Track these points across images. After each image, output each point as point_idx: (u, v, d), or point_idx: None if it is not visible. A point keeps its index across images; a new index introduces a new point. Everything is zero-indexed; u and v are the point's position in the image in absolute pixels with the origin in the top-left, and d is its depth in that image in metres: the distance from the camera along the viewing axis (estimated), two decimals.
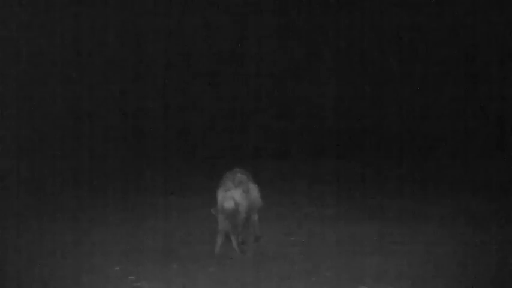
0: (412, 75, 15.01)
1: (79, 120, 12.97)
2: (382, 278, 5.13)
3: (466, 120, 14.09)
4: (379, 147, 13.09)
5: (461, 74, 14.62)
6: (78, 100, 13.18)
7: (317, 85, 15.72)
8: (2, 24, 11.41)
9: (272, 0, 15.37)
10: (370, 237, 6.36)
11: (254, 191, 5.92)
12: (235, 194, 5.72)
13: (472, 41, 14.31)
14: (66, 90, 12.96)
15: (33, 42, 12.15)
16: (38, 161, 10.94)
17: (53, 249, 6.01)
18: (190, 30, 15.00)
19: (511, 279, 5.12)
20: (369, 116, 14.95)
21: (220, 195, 5.73)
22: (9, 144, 10.78)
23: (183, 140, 13.72)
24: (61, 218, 7.32)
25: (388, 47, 15.12)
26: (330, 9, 15.20)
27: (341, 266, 5.43)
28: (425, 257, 5.65)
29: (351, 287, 4.98)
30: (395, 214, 7.36)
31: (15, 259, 5.71)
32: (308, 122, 15.35)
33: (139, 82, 14.45)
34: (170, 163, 11.38)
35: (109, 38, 13.83)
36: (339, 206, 7.92)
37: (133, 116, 14.07)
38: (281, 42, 15.57)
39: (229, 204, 5.70)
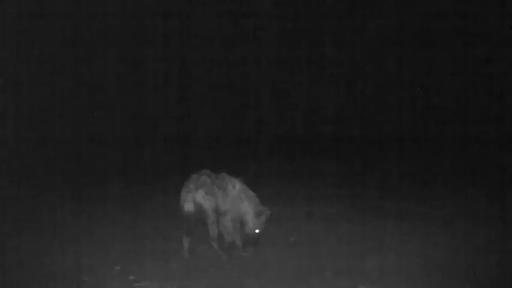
0: (412, 76, 15.03)
1: (79, 120, 12.98)
2: (382, 278, 5.14)
3: (466, 120, 14.10)
4: (379, 147, 13.09)
5: (461, 74, 14.63)
6: (78, 99, 13.18)
7: (317, 86, 15.75)
8: (3, 24, 11.41)
9: (274, 3, 15.41)
10: (370, 237, 6.36)
11: (219, 194, 5.78)
12: (197, 196, 5.72)
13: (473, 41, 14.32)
14: (67, 91, 12.97)
15: (34, 43, 12.16)
16: (38, 161, 10.94)
17: (53, 249, 6.01)
18: (190, 32, 15.03)
19: (511, 279, 5.12)
20: (369, 117, 14.97)
21: (182, 197, 5.73)
22: (9, 144, 10.78)
23: (183, 140, 13.72)
24: (61, 218, 7.32)
25: (389, 47, 15.14)
26: (331, 12, 15.25)
27: (341, 266, 5.44)
28: (425, 257, 5.65)
29: (351, 287, 4.98)
30: (395, 214, 7.36)
31: (15, 259, 5.71)
32: (308, 122, 15.38)
33: (140, 82, 14.47)
34: (170, 163, 11.39)
35: (109, 39, 13.84)
36: (339, 205, 7.92)
37: (134, 115, 14.08)
38: (283, 43, 15.60)
39: (188, 207, 5.71)
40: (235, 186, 5.86)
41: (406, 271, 5.28)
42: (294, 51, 15.66)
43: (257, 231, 5.85)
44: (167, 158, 11.93)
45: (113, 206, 8.10)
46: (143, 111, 14.34)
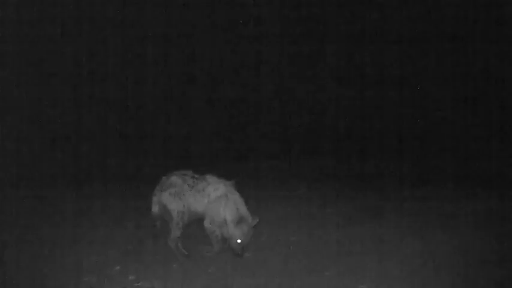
0: (412, 75, 15.03)
1: (80, 120, 12.98)
2: (382, 278, 5.14)
3: (466, 120, 14.11)
4: (379, 147, 13.09)
5: (460, 73, 14.64)
6: (78, 100, 13.19)
7: (317, 85, 15.76)
8: (3, 24, 11.42)
9: (273, 1, 15.42)
10: (370, 237, 6.36)
11: (191, 196, 5.73)
12: (162, 197, 5.71)
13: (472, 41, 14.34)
14: (67, 91, 12.97)
15: (34, 42, 12.16)
16: (38, 161, 10.95)
17: (53, 249, 6.02)
18: (190, 30, 15.03)
19: (511, 279, 5.13)
20: (369, 116, 14.97)
21: (152, 199, 5.77)
22: (9, 144, 10.78)
23: (183, 140, 13.72)
24: (61, 218, 7.32)
25: (388, 46, 15.14)
26: (331, 9, 15.25)
27: (341, 266, 5.44)
28: (425, 257, 5.65)
29: (351, 287, 4.98)
30: (395, 214, 7.36)
31: (15, 259, 5.71)
32: (308, 122, 15.38)
33: (139, 82, 14.47)
34: (169, 163, 11.38)
35: (109, 39, 13.84)
36: (339, 206, 7.92)
37: (134, 116, 14.08)
38: (282, 42, 15.60)
39: (154, 208, 5.73)
40: (218, 190, 5.74)
41: (406, 271, 5.29)
42: (295, 51, 15.67)
43: (239, 241, 5.62)
44: (167, 158, 11.91)
45: (112, 206, 8.10)
46: (144, 111, 14.34)
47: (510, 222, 6.89)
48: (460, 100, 14.55)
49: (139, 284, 5.07)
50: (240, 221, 5.63)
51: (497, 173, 9.90)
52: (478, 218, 7.07)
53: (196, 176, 5.85)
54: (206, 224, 5.79)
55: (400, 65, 15.09)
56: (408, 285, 4.98)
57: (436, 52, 15.00)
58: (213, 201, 5.73)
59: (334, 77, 15.71)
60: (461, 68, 14.63)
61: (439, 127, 14.36)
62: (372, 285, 4.98)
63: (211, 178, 5.84)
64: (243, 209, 5.71)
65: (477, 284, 5.02)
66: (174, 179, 5.78)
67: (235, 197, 5.74)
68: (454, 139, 13.36)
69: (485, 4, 13.88)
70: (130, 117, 14.00)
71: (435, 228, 6.63)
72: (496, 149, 11.87)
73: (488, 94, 14.08)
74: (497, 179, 9.41)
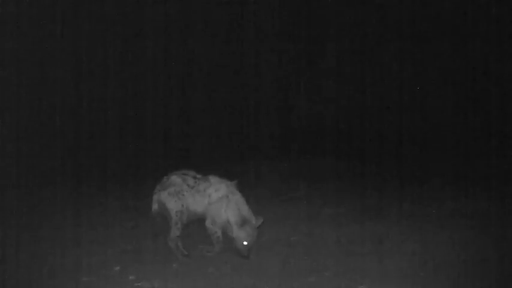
0: (412, 75, 15.02)
1: (79, 120, 12.97)
2: (382, 278, 5.13)
3: (466, 120, 14.10)
4: (379, 147, 13.08)
5: (461, 73, 14.63)
6: (78, 100, 13.17)
7: (317, 85, 15.75)
8: (2, 24, 11.40)
9: (273, 1, 15.42)
10: (370, 237, 6.36)
11: (190, 196, 5.71)
12: (161, 196, 5.72)
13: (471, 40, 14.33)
14: (66, 91, 12.96)
15: (34, 42, 12.14)
16: (38, 161, 10.93)
17: (53, 249, 6.01)
18: (190, 31, 15.02)
19: (510, 279, 5.12)
20: (369, 116, 14.97)
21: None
22: (9, 144, 10.77)
23: (183, 140, 13.72)
24: (61, 218, 7.32)
25: (388, 47, 15.14)
26: (331, 9, 15.25)
27: (341, 266, 5.43)
28: (425, 257, 5.64)
29: (351, 287, 4.98)
30: (395, 214, 7.36)
31: (15, 259, 5.71)
32: (308, 122, 15.38)
33: (140, 83, 14.46)
34: (169, 163, 11.38)
35: (109, 39, 13.83)
36: (339, 206, 7.91)
37: (134, 116, 14.07)
38: (282, 41, 15.59)
39: (154, 207, 5.75)
40: (219, 190, 5.72)
41: (406, 271, 5.28)
42: (295, 50, 15.66)
43: (245, 243, 5.60)
44: (167, 158, 11.91)
45: (112, 205, 8.10)
46: (144, 111, 14.33)
47: (510, 222, 6.88)
48: (460, 100, 14.54)
49: (139, 284, 5.07)
50: (243, 222, 5.62)
51: (497, 173, 9.89)
52: (478, 218, 7.07)
53: (198, 176, 5.84)
54: (208, 224, 5.79)
55: (400, 65, 15.08)
56: (408, 285, 4.97)
57: (436, 52, 14.99)
58: (214, 202, 5.71)
59: (334, 77, 15.70)
60: (461, 68, 14.62)
61: (439, 127, 14.35)
62: (372, 285, 4.98)
63: (213, 178, 5.83)
64: (245, 210, 5.69)
65: (477, 284, 5.01)
66: (174, 178, 5.78)
67: (237, 198, 5.72)
68: (454, 139, 13.35)
69: (485, 4, 13.87)
70: (131, 117, 13.99)
71: (435, 228, 6.63)
72: (496, 149, 11.85)
73: (488, 94, 14.06)
74: (497, 179, 9.40)
